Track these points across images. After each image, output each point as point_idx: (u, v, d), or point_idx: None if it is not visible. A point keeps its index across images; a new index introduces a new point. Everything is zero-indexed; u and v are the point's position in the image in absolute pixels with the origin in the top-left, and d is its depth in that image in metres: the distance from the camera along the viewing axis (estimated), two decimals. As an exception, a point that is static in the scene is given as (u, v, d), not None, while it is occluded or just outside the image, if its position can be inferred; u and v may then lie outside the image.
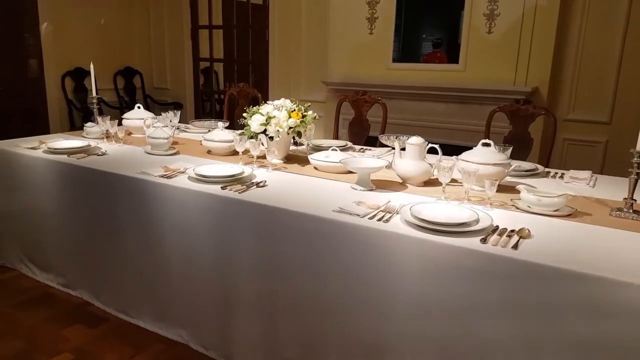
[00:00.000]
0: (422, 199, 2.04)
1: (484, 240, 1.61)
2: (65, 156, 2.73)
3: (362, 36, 4.69)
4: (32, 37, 5.43)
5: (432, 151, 2.25)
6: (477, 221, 1.73)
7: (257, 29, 5.60)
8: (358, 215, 1.82)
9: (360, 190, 2.16)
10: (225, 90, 5.17)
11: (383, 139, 2.60)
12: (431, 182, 2.27)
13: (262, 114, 2.53)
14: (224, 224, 2.13)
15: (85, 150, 2.82)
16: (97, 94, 3.38)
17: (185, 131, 3.55)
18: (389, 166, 2.33)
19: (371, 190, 2.16)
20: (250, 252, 2.06)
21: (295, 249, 1.93)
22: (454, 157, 2.17)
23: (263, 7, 5.39)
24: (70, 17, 5.59)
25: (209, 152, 2.88)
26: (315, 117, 2.62)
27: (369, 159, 2.38)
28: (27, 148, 2.92)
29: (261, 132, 2.53)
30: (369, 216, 1.82)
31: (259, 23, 5.48)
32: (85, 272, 2.78)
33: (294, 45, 5.22)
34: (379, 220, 1.79)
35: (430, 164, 2.23)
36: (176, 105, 6.20)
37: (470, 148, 2.20)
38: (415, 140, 2.25)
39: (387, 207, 1.92)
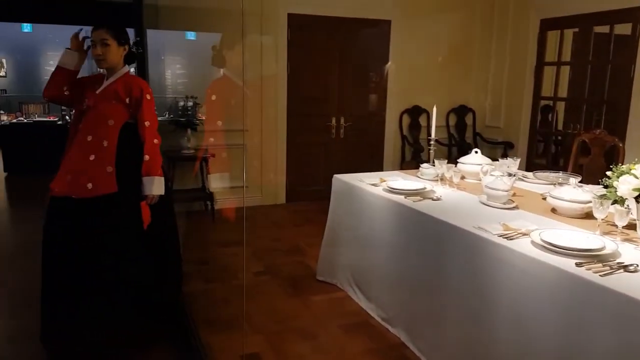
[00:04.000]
0: None
1: None
2: (402, 197, 2.81)
3: None
4: (377, 75, 6.04)
5: None
6: None
7: (617, 64, 4.78)
8: None
9: None
10: (575, 134, 4.56)
11: None
12: None
13: (636, 176, 2.01)
14: (573, 310, 1.74)
15: (421, 193, 2.84)
16: (434, 136, 3.41)
17: (523, 180, 3.22)
18: None
19: None
20: (611, 355, 1.61)
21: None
22: None
23: (629, 39, 4.55)
24: (413, 57, 5.95)
25: (553, 210, 2.50)
26: None
27: None
28: (369, 184, 3.14)
29: (632, 198, 2.01)
30: None
31: (622, 57, 4.65)
32: (405, 312, 2.78)
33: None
34: None
35: None
36: (507, 145, 5.89)
37: None
38: None
39: None
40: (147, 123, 2.45)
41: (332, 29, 5.64)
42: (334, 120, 5.87)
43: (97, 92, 2.51)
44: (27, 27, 10.06)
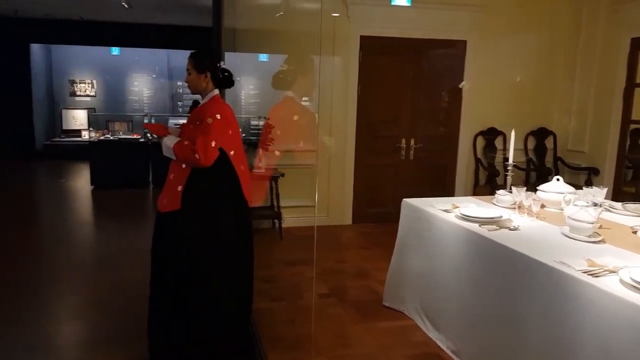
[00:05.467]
0: None
1: None
2: (477, 225, 2.68)
3: None
4: (450, 96, 5.87)
5: None
6: None
7: None
8: None
9: None
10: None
11: None
12: None
13: None
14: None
15: (497, 222, 2.70)
16: (512, 161, 3.25)
17: (610, 211, 2.97)
18: None
19: None
20: None
21: None
22: None
23: None
24: (489, 77, 5.73)
25: (646, 246, 2.28)
26: None
27: None
28: (441, 210, 3.03)
29: None
30: None
31: None
32: (476, 346, 2.63)
33: None
34: None
35: None
36: (592, 171, 5.52)
37: None
38: None
39: None
40: (198, 141, 2.42)
41: (404, 50, 5.59)
42: (403, 142, 5.77)
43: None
44: (115, 50, 10.87)
